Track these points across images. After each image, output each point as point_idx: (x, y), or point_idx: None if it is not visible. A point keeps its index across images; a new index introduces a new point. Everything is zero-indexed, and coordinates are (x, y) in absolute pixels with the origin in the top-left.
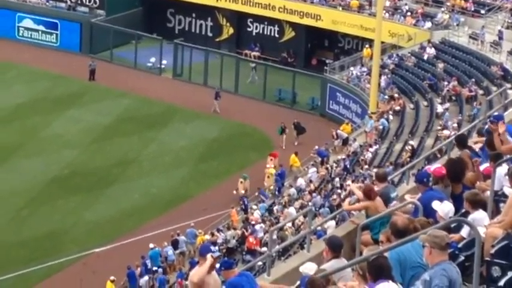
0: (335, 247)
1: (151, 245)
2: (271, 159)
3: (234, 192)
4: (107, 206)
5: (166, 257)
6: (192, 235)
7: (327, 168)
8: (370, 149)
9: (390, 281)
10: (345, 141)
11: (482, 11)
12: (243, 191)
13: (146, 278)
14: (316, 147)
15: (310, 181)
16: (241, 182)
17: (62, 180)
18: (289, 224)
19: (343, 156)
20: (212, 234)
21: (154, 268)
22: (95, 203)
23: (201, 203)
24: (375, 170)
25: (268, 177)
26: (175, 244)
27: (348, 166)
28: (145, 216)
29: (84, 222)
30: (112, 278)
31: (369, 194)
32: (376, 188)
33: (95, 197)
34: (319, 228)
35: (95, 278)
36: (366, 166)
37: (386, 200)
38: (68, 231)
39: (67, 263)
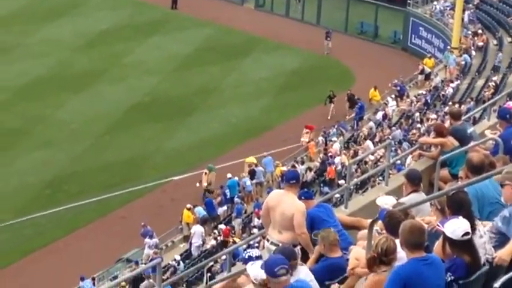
0: (414, 180)
1: (229, 175)
2: (307, 132)
3: (197, 184)
4: (187, 134)
5: (244, 187)
6: (270, 164)
7: (406, 102)
8: (452, 85)
9: (461, 217)
10: (427, 76)
11: None
12: (205, 183)
13: (225, 207)
14: (396, 81)
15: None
16: (205, 174)
17: (143, 107)
18: (369, 157)
19: (424, 91)
20: (293, 166)
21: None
22: (175, 130)
23: (280, 134)
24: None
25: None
26: (252, 174)
27: (429, 101)
28: (224, 146)
29: (164, 150)
30: (189, 206)
31: (440, 131)
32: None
33: (175, 125)
34: (398, 162)
35: (173, 205)
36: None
37: (463, 137)
38: (148, 158)
39: (146, 189)
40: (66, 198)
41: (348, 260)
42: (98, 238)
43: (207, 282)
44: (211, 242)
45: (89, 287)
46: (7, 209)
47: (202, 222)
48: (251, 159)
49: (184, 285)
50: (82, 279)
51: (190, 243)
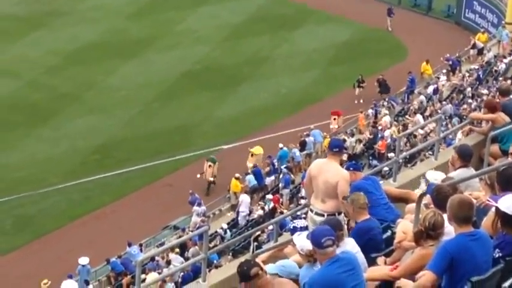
0: (465, 156)
1: (280, 145)
2: (335, 119)
3: (198, 176)
4: (236, 103)
5: (293, 157)
6: (318, 136)
7: (458, 77)
8: (504, 60)
9: None
10: (480, 51)
11: None
12: (211, 178)
13: (272, 177)
14: (448, 55)
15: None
16: (209, 166)
17: (193, 76)
18: (419, 131)
19: (477, 66)
20: (344, 141)
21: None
22: (224, 99)
23: (330, 106)
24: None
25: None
26: (302, 145)
27: (481, 76)
28: (274, 116)
29: (213, 118)
30: (237, 175)
31: (492, 107)
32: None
33: (225, 94)
34: (448, 136)
35: (221, 174)
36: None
37: None
38: (196, 126)
39: (194, 157)
40: (114, 165)
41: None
42: (145, 205)
43: (253, 252)
44: (258, 212)
45: (136, 253)
46: (56, 173)
47: (252, 191)
48: (258, 149)
49: (230, 253)
50: (129, 244)
51: (238, 212)
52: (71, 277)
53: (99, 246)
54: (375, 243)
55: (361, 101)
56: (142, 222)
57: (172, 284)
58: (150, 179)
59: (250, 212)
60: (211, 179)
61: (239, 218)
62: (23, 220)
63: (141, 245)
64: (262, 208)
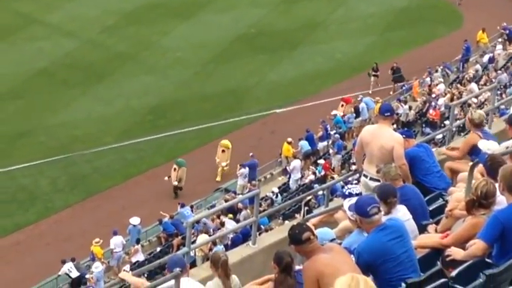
0: None
1: (334, 112)
2: (342, 105)
3: (166, 178)
4: (291, 67)
5: (345, 122)
6: (370, 102)
7: None
8: None
9: None
10: None
11: None
12: (175, 181)
13: (325, 143)
14: (505, 24)
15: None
16: (174, 170)
17: (248, 39)
18: (473, 100)
19: None
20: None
21: (333, 132)
22: (278, 63)
23: (384, 72)
24: None
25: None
26: (357, 111)
27: None
28: (328, 81)
29: (267, 82)
30: (289, 139)
31: None
32: None
33: (279, 57)
34: (502, 106)
35: (272, 138)
36: None
37: None
38: (250, 89)
39: (247, 120)
40: (168, 125)
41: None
42: (197, 166)
43: (304, 216)
44: (309, 177)
45: (188, 214)
46: (111, 133)
47: (304, 156)
48: (225, 143)
49: (280, 217)
50: (182, 205)
51: (289, 177)
52: (115, 233)
53: (152, 205)
54: (411, 209)
55: (370, 91)
56: (194, 184)
57: (222, 246)
58: (203, 140)
59: (302, 176)
60: (176, 183)
61: (290, 182)
62: (77, 178)
63: (192, 207)
64: (314, 173)
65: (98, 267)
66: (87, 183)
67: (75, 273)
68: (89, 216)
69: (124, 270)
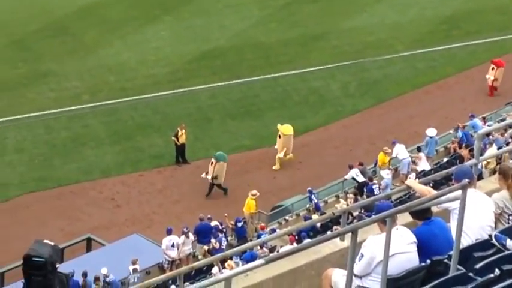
0: None
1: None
2: (493, 68)
3: (203, 175)
4: None
5: None
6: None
7: None
8: None
9: None
10: None
11: None
12: (210, 176)
13: None
14: None
15: None
16: (211, 164)
17: None
18: None
19: None
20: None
21: None
22: None
23: None
24: None
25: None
26: None
27: None
28: None
29: None
30: None
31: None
32: None
33: None
34: None
35: None
36: None
37: None
38: None
39: None
40: (462, 36)
41: None
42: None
43: None
44: None
45: (479, 125)
46: (403, 40)
47: None
48: (287, 129)
49: None
50: (472, 116)
51: None
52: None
53: (442, 115)
54: None
55: None
56: (484, 95)
57: None
58: (496, 53)
59: None
60: (209, 176)
61: None
62: (367, 84)
63: (483, 118)
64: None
65: (388, 174)
66: (377, 89)
67: (361, 178)
68: (377, 122)
69: (409, 178)
